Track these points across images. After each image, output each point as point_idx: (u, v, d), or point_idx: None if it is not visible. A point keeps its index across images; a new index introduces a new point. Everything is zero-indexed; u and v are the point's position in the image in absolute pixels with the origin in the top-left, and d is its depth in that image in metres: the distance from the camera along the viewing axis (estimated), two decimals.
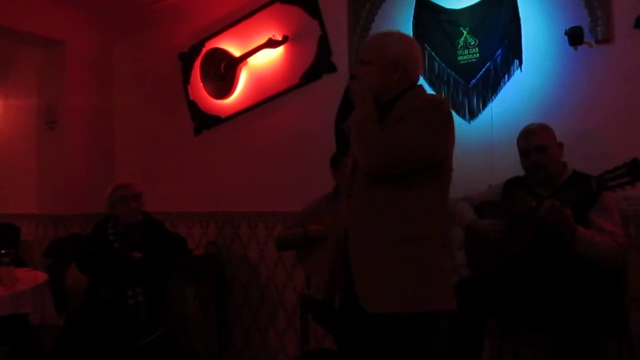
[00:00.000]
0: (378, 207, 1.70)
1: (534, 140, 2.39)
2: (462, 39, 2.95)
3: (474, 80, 2.93)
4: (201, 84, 4.00)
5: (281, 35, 3.61)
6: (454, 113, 2.91)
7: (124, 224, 3.11)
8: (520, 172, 2.53)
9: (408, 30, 3.08)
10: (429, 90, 2.98)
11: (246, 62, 3.80)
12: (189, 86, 4.10)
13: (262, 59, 3.74)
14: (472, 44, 2.93)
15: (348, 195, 1.81)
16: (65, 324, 2.96)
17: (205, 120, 4.03)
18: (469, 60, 2.94)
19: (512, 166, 2.53)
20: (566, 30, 2.66)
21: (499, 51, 2.85)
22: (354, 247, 1.75)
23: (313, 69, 3.51)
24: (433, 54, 3.03)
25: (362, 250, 1.73)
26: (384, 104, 1.79)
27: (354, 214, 1.77)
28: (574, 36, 2.64)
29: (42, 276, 3.16)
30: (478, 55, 2.91)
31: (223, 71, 3.87)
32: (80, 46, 4.35)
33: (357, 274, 1.72)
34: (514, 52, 2.81)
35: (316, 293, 2.86)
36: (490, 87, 2.89)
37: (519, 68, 2.81)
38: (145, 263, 3.00)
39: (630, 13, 2.54)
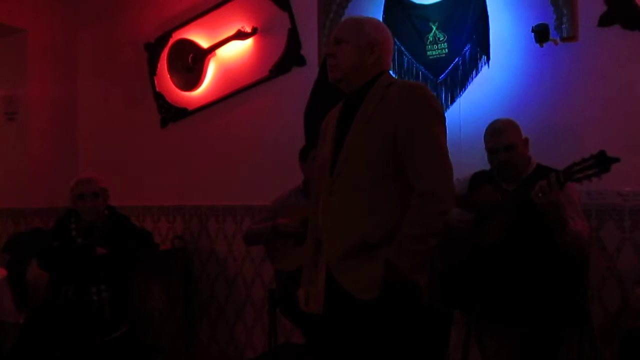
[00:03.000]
0: (362, 207, 1.68)
1: (503, 140, 2.41)
2: (432, 34, 2.97)
3: (442, 75, 2.95)
4: (168, 76, 3.93)
5: (250, 27, 3.57)
6: None
7: (87, 219, 3.03)
8: (488, 166, 2.56)
9: None
10: None
11: (214, 54, 3.75)
12: (155, 77, 4.03)
13: (230, 51, 3.70)
14: (441, 39, 2.95)
15: (328, 192, 1.76)
16: (26, 322, 2.87)
17: (172, 113, 3.96)
18: (438, 56, 2.96)
19: (479, 160, 2.56)
20: (532, 28, 2.70)
21: (467, 47, 2.87)
22: (333, 247, 1.74)
23: (282, 61, 3.48)
24: (402, 48, 3.04)
25: (341, 249, 1.71)
26: (355, 90, 1.77)
27: (335, 213, 1.74)
28: (540, 33, 2.69)
29: (1, 272, 3.06)
30: (447, 50, 2.93)
31: (191, 63, 3.81)
32: (43, 35, 4.21)
33: (337, 272, 1.72)
34: (481, 48, 2.84)
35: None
36: (459, 82, 2.91)
37: (487, 64, 2.84)
38: (110, 259, 2.93)
39: (594, 11, 2.60)
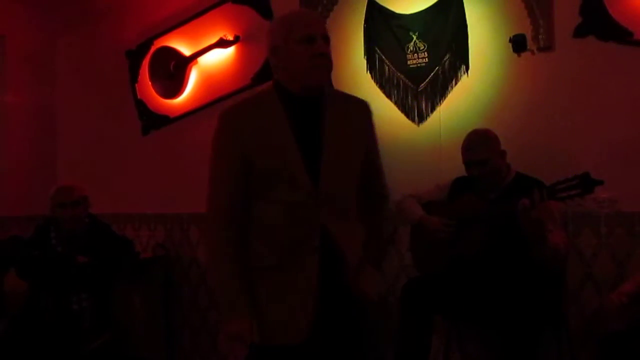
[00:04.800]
0: (355, 219, 1.75)
1: (474, 156, 2.44)
2: (412, 43, 3.01)
3: (422, 84, 2.99)
4: (150, 83, 3.92)
5: (232, 35, 3.58)
6: (403, 116, 3.03)
7: (68, 228, 2.99)
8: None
9: (359, 34, 3.12)
10: (380, 95, 3.05)
11: (196, 62, 3.75)
12: (136, 85, 4.01)
13: (212, 59, 3.70)
14: (421, 48, 2.99)
15: (314, 204, 1.63)
16: (5, 332, 2.83)
17: (154, 120, 3.95)
18: (418, 65, 2.99)
19: (458, 168, 2.60)
20: (510, 38, 2.75)
21: (447, 56, 2.92)
22: (348, 262, 1.69)
23: (264, 70, 3.48)
24: (383, 57, 3.08)
25: (355, 263, 1.72)
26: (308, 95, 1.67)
27: (338, 231, 1.67)
28: (518, 43, 2.74)
29: None
30: (427, 60, 2.97)
31: (172, 70, 3.79)
32: (21, 40, 4.16)
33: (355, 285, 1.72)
34: (461, 57, 2.88)
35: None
36: (439, 91, 2.95)
37: (466, 73, 2.88)
38: (90, 267, 2.90)
39: (570, 22, 2.65)
